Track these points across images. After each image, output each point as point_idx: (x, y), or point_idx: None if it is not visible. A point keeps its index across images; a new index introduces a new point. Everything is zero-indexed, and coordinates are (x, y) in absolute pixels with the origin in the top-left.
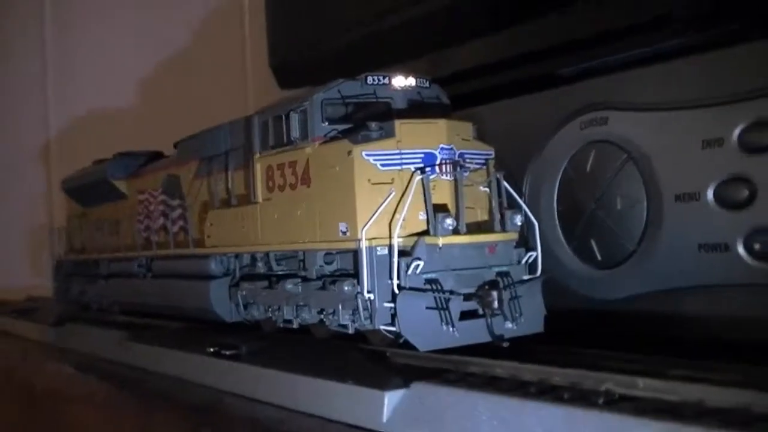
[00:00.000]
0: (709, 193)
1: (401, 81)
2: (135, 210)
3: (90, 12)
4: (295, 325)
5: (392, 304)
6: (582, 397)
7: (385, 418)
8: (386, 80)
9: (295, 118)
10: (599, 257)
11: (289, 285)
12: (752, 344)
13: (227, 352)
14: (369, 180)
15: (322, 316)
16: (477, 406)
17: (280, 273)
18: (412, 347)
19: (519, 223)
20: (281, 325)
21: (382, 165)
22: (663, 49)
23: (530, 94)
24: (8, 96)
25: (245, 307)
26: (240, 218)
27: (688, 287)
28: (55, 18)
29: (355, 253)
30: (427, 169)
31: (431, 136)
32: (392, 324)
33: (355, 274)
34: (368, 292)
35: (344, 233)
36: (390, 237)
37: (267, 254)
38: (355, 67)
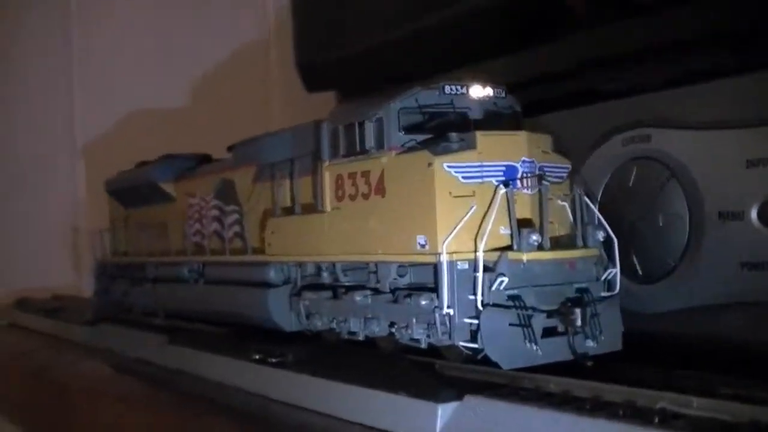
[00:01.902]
0: (753, 212)
1: (479, 91)
2: (184, 214)
3: (114, 14)
4: (360, 337)
5: (474, 320)
6: (637, 415)
7: (438, 429)
8: (464, 90)
9: (369, 126)
10: (640, 272)
11: (358, 297)
12: None
13: (273, 359)
14: (450, 192)
15: (392, 329)
16: (531, 421)
17: (347, 284)
18: (492, 364)
19: (601, 239)
20: (345, 337)
21: (463, 177)
22: (708, 69)
23: (572, 108)
24: (33, 95)
25: (307, 316)
26: (305, 227)
27: (729, 304)
28: (80, 20)
29: (434, 267)
30: (515, 186)
31: (512, 149)
32: (472, 340)
33: (432, 288)
34: (448, 307)
35: (423, 246)
36: (475, 251)
37: (333, 264)
38: (386, 70)
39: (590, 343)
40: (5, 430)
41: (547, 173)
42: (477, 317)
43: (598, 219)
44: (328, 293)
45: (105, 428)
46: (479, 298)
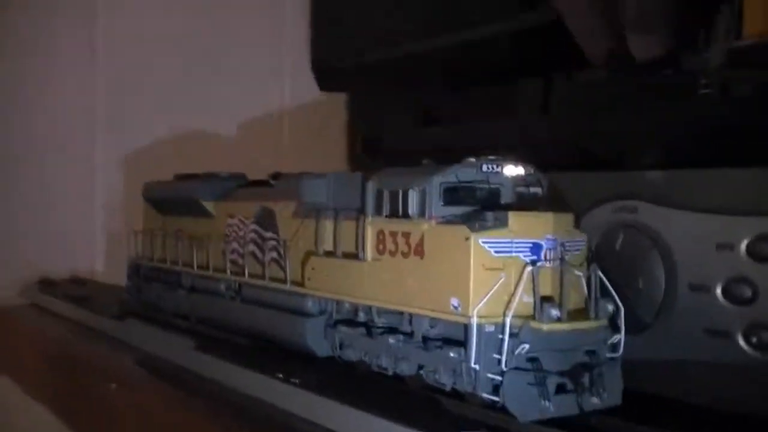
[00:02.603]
0: (718, 289)
1: (512, 170)
2: (222, 232)
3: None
4: (389, 373)
5: (497, 377)
6: None
7: None
8: (499, 168)
9: (413, 195)
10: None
11: (391, 339)
12: (740, 417)
13: (295, 380)
14: (483, 265)
15: (421, 372)
16: None
17: (381, 325)
18: (510, 414)
19: (611, 311)
20: (375, 370)
21: (495, 252)
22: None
23: (570, 171)
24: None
25: (340, 347)
26: (345, 270)
27: (692, 361)
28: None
29: (465, 326)
30: (539, 262)
31: (539, 228)
32: (493, 393)
33: (460, 343)
34: (474, 363)
35: (456, 308)
36: (504, 318)
37: (370, 307)
38: (399, 80)
39: (595, 400)
40: (36, 412)
41: (567, 249)
42: (501, 375)
43: (610, 293)
44: (362, 330)
45: (128, 420)
46: (504, 360)
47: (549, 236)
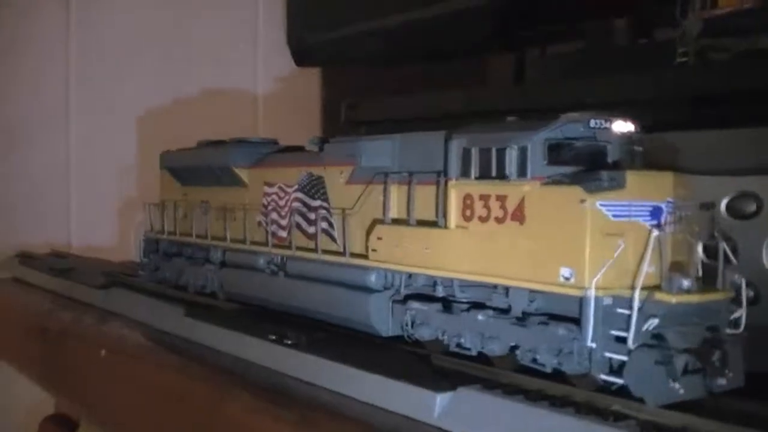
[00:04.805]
0: (700, 245)
1: (621, 127)
2: (258, 201)
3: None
4: (473, 352)
5: (618, 356)
6: (596, 413)
7: (436, 415)
8: (608, 124)
9: (511, 154)
10: None
11: (480, 316)
12: None
13: (288, 341)
14: (601, 230)
15: (517, 352)
16: (510, 412)
17: (465, 300)
18: (630, 398)
19: (738, 282)
20: (453, 349)
21: (614, 216)
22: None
23: None
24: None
25: (411, 324)
26: (422, 240)
27: None
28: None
29: (580, 300)
30: (663, 227)
31: (659, 189)
32: (612, 374)
33: (566, 319)
34: (591, 341)
35: (567, 279)
36: (632, 291)
37: (452, 280)
38: (374, 55)
39: (722, 381)
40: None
41: (685, 213)
42: (625, 354)
43: (732, 262)
44: (438, 305)
45: (125, 390)
46: (631, 337)
47: (670, 199)
